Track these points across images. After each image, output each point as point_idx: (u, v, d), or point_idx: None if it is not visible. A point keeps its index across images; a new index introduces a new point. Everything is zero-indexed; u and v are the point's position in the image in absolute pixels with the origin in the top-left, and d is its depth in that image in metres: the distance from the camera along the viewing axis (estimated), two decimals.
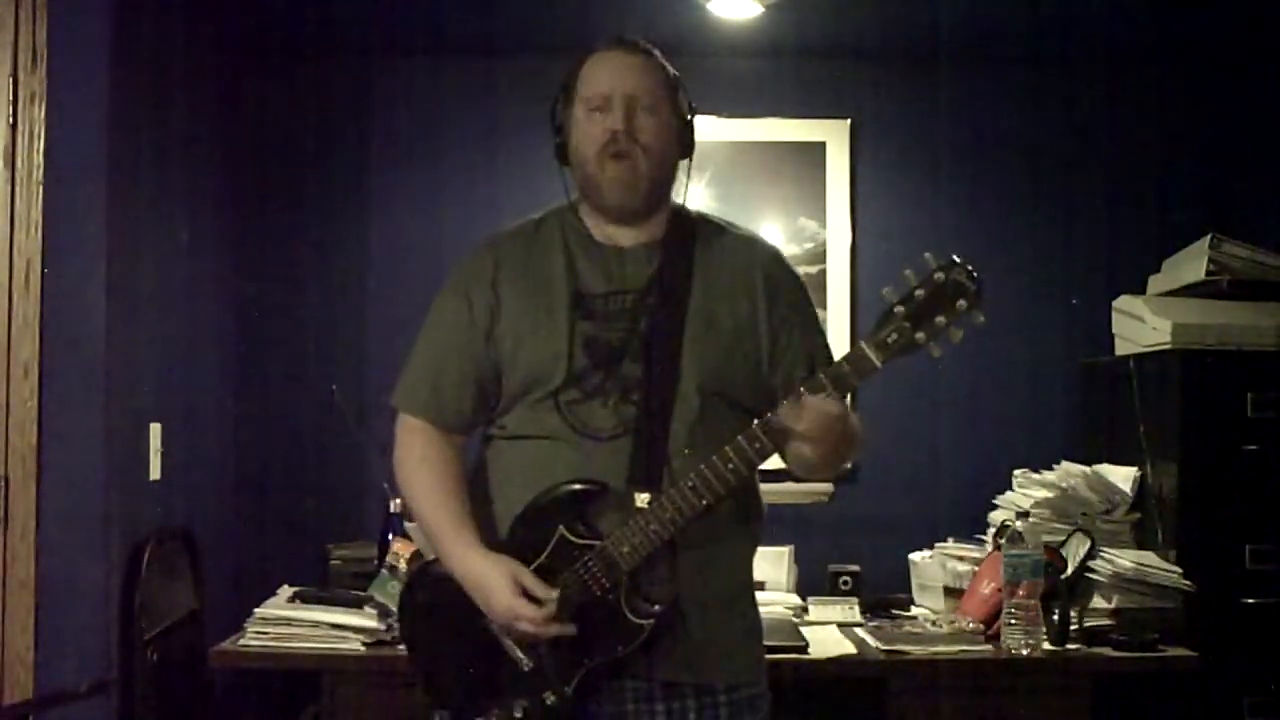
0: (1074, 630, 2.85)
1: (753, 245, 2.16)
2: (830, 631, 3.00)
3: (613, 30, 3.40)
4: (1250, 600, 2.98)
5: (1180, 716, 2.96)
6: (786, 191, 3.60)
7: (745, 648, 2.08)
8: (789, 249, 3.57)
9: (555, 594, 1.92)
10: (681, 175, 2.13)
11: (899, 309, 1.84)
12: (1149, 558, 3.00)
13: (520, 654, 1.98)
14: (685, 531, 1.93)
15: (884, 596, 3.24)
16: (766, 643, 2.78)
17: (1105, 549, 3.00)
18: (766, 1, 3.19)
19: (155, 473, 2.87)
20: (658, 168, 2.05)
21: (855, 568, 3.24)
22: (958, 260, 1.85)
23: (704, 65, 3.59)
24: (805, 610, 3.14)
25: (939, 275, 1.84)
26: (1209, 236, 3.24)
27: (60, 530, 2.56)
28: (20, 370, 2.55)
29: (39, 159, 2.56)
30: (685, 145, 2.12)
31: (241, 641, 2.83)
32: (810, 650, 2.82)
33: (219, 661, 2.81)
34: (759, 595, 3.09)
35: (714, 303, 2.04)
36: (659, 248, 2.07)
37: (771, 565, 3.25)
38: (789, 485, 3.44)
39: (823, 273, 3.58)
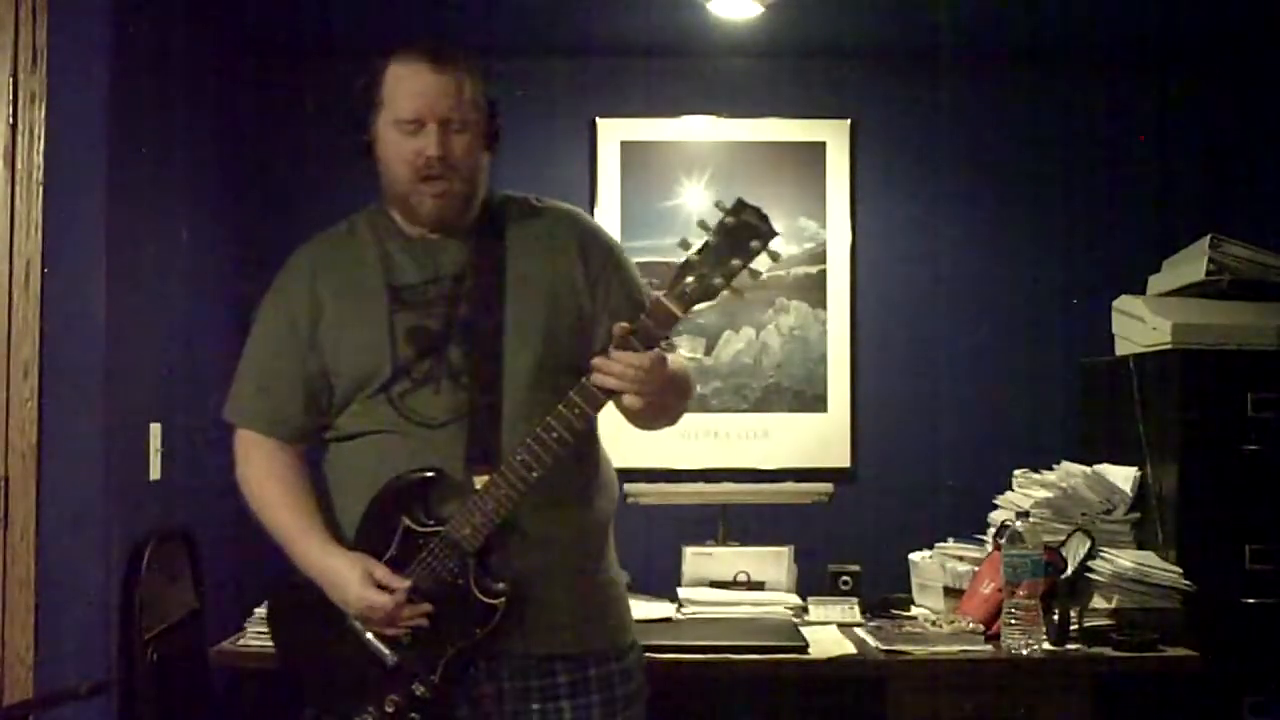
0: (1074, 630, 2.85)
1: (562, 214, 2.18)
2: (830, 631, 3.00)
3: (613, 30, 3.44)
4: (1250, 600, 2.98)
5: (1180, 716, 2.95)
6: (786, 191, 3.60)
7: (608, 615, 2.11)
8: (789, 249, 3.58)
9: (406, 583, 1.96)
10: (486, 167, 2.13)
11: (694, 258, 1.86)
12: (1149, 558, 3.00)
13: (384, 650, 2.01)
14: (524, 506, 1.94)
15: (884, 596, 3.24)
16: (766, 643, 2.81)
17: (1105, 549, 3.00)
18: (766, 1, 3.19)
19: (155, 473, 2.86)
20: (470, 183, 2.06)
21: (855, 568, 3.24)
22: (747, 203, 1.87)
23: (704, 65, 3.60)
24: (805, 610, 3.14)
25: (729, 219, 1.86)
26: (1209, 236, 3.24)
27: (60, 530, 2.56)
28: (20, 370, 2.55)
29: (39, 159, 2.56)
30: (491, 140, 2.11)
31: (241, 641, 2.83)
32: (810, 650, 2.81)
33: (219, 661, 2.81)
34: (759, 595, 3.15)
35: (530, 275, 2.07)
36: (471, 233, 2.09)
37: (771, 565, 3.25)
38: (789, 485, 3.47)
39: (823, 273, 3.58)
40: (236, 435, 2.16)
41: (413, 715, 2.01)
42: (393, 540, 1.99)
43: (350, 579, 1.97)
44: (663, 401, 2.00)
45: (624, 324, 1.89)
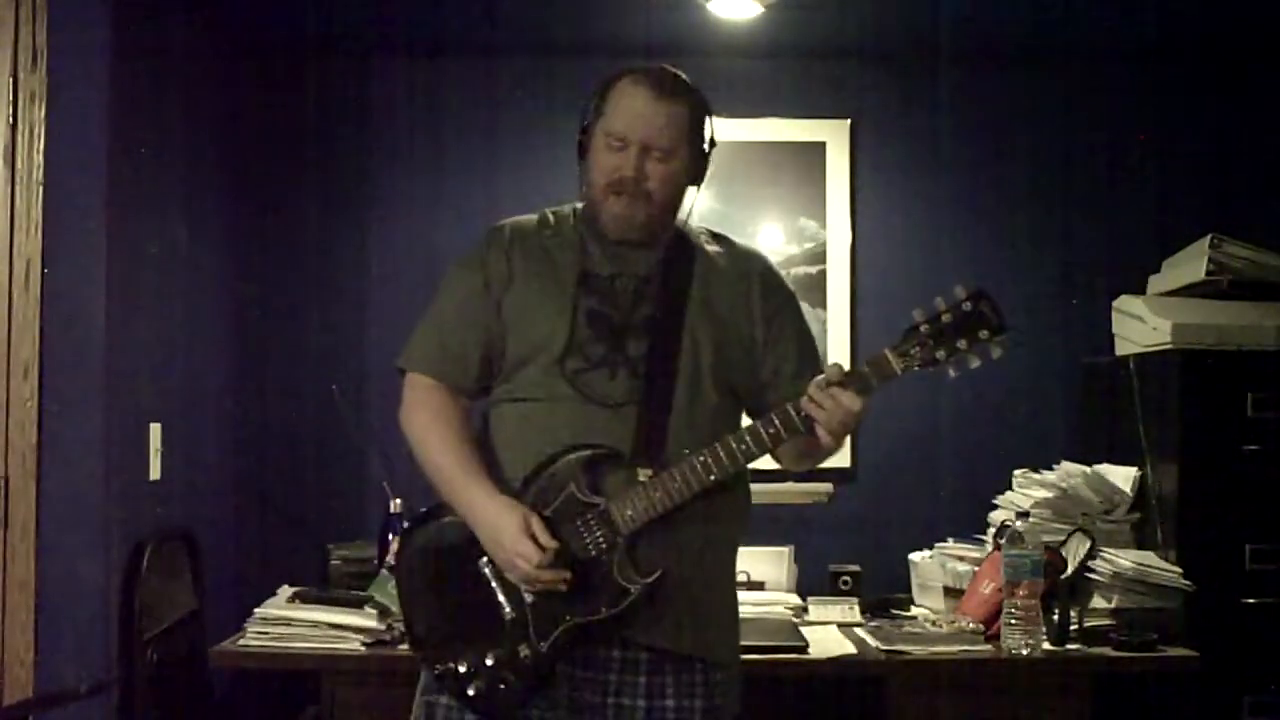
0: (1074, 630, 2.85)
1: (750, 254, 2.28)
2: (830, 631, 3.00)
3: (613, 30, 3.44)
4: (1250, 600, 2.99)
5: (1180, 716, 2.96)
6: (786, 191, 3.60)
7: (726, 630, 2.17)
8: (789, 249, 3.58)
9: (556, 544, 1.99)
10: (688, 199, 2.22)
11: (925, 327, 1.98)
12: (1149, 558, 3.00)
13: (506, 602, 2.04)
14: (684, 507, 2.01)
15: (884, 596, 3.24)
16: (766, 643, 2.81)
17: (1105, 549, 3.01)
18: (766, 1, 3.19)
19: (155, 473, 2.87)
20: (660, 210, 2.13)
21: (855, 568, 3.24)
22: (987, 294, 1.99)
23: (704, 65, 3.56)
24: (805, 610, 3.14)
25: (967, 304, 1.98)
26: (1209, 236, 3.24)
27: (60, 530, 2.56)
28: (20, 370, 2.55)
29: (39, 159, 2.56)
30: (697, 176, 2.20)
31: (241, 641, 2.83)
32: (810, 650, 2.81)
33: (219, 661, 2.81)
34: (759, 595, 3.15)
35: (712, 295, 2.16)
36: (665, 246, 2.19)
37: (771, 565, 3.25)
38: (789, 485, 3.46)
39: (823, 273, 3.58)
40: (407, 381, 2.19)
41: (508, 675, 2.03)
42: (555, 501, 2.03)
43: (509, 525, 2.00)
44: (834, 451, 2.11)
45: (839, 366, 2.00)
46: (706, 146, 2.18)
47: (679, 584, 2.04)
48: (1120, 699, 2.86)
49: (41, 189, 2.57)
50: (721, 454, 2.00)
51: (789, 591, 3.23)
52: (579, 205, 2.22)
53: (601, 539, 2.01)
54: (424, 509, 2.18)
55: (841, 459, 3.56)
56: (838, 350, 3.57)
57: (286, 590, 2.96)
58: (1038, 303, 3.60)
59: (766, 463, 3.57)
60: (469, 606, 2.08)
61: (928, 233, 3.62)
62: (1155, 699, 2.92)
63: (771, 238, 3.59)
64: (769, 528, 3.38)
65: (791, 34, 3.43)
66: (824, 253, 3.60)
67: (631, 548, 2.02)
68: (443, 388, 2.16)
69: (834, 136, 3.62)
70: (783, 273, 2.32)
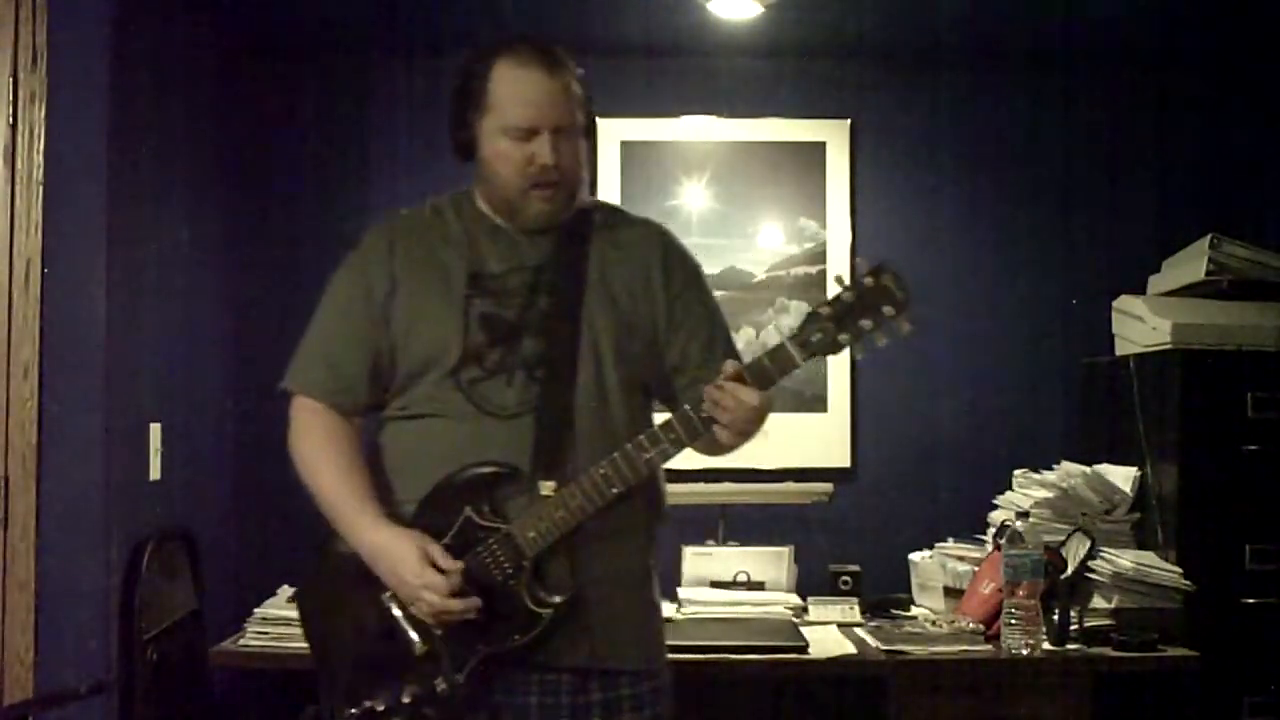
0: (1074, 630, 2.85)
1: (648, 227, 2.17)
2: (830, 631, 3.00)
3: (613, 30, 3.44)
4: (1250, 600, 2.99)
5: (1180, 716, 2.96)
6: (786, 191, 3.60)
7: (649, 637, 2.08)
8: (789, 249, 3.58)
9: (461, 565, 1.91)
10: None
11: (824, 309, 1.86)
12: (1149, 558, 3.00)
13: (415, 636, 1.95)
14: (591, 520, 1.93)
15: (884, 596, 3.24)
16: (766, 642, 2.81)
17: (1105, 549, 3.00)
18: (766, 1, 3.19)
19: (155, 473, 2.86)
20: (576, 184, 2.05)
21: (855, 568, 3.24)
22: (888, 267, 1.86)
23: (704, 65, 3.60)
24: (805, 610, 3.14)
25: (867, 280, 1.86)
26: (1209, 236, 3.24)
27: (60, 530, 2.56)
28: (20, 370, 2.55)
29: (39, 159, 2.56)
30: (589, 138, 2.10)
31: (241, 641, 2.83)
32: (810, 650, 2.81)
33: (219, 661, 2.81)
34: (759, 595, 3.15)
35: (611, 279, 2.05)
36: (557, 229, 2.07)
37: (771, 565, 3.25)
38: (789, 485, 3.47)
39: (822, 273, 3.58)
40: (293, 403, 2.11)
41: (427, 710, 1.95)
42: (451, 528, 1.95)
43: (408, 555, 1.91)
44: (747, 439, 1.97)
45: (736, 362, 1.90)
46: (590, 109, 2.09)
47: (593, 600, 1.96)
48: (1120, 699, 2.86)
49: (41, 189, 2.56)
50: (622, 464, 1.91)
51: (789, 591, 3.23)
52: (465, 192, 2.11)
53: (507, 564, 1.92)
54: (318, 546, 2.09)
55: (841, 459, 3.56)
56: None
57: (286, 590, 2.96)
58: (1038, 303, 3.60)
59: (767, 463, 3.58)
60: (378, 643, 1.98)
61: (928, 233, 3.62)
62: (1155, 699, 2.92)
63: (771, 238, 3.59)
64: (769, 528, 3.39)
65: (791, 34, 3.43)
66: (824, 253, 3.59)
67: (539, 568, 1.94)
68: (331, 410, 2.07)
69: (834, 136, 3.62)
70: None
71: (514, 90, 1.99)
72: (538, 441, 1.95)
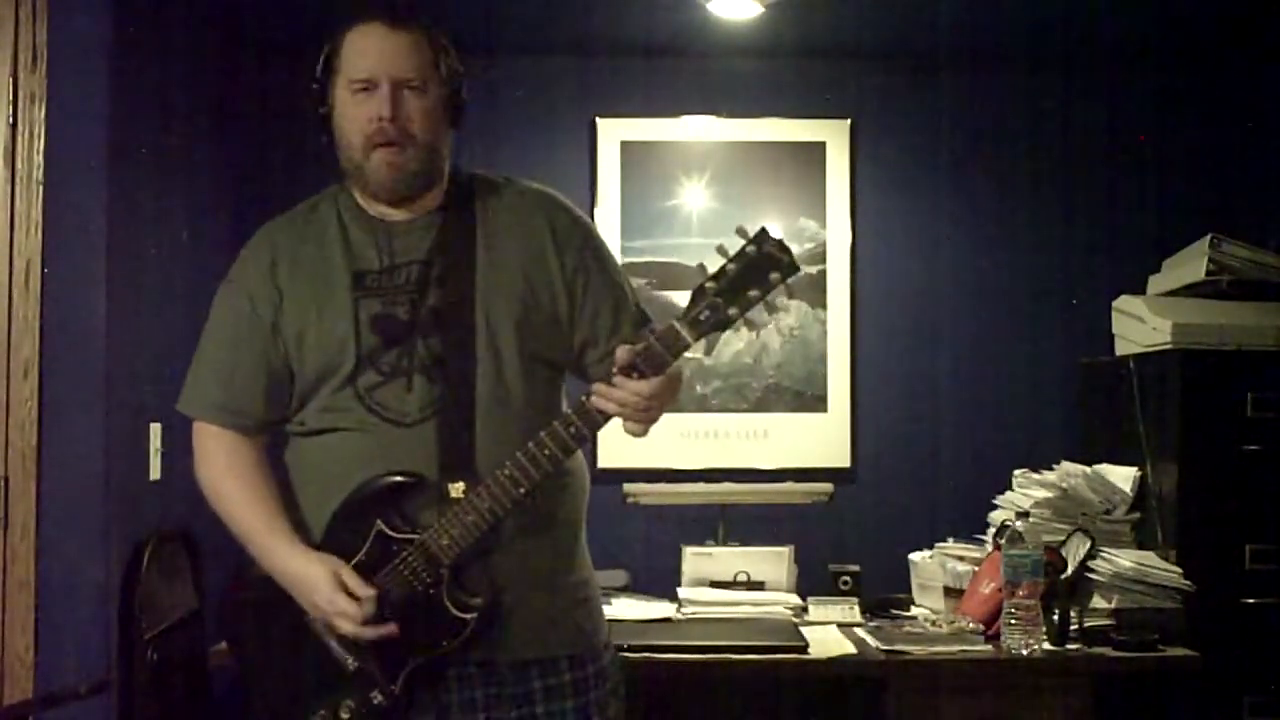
0: (1074, 630, 2.85)
1: (536, 196, 2.08)
2: (830, 631, 3.00)
3: (613, 30, 3.44)
4: (1250, 600, 2.99)
5: (1180, 716, 2.96)
6: (786, 191, 3.60)
7: (583, 619, 2.04)
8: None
9: (373, 592, 1.89)
10: (450, 141, 2.05)
11: (710, 285, 1.80)
12: (1149, 558, 3.00)
13: (345, 654, 1.94)
14: (504, 519, 1.90)
15: (884, 596, 3.24)
16: (766, 642, 2.81)
17: (1105, 549, 3.00)
18: (766, 1, 3.19)
19: (155, 473, 2.86)
20: (427, 152, 1.96)
21: (855, 568, 3.24)
22: (768, 234, 1.81)
23: (704, 65, 3.60)
24: (805, 610, 3.14)
25: (750, 249, 1.80)
26: (1209, 236, 3.24)
27: (60, 530, 2.55)
28: (20, 370, 2.55)
29: (39, 159, 2.56)
30: (454, 116, 2.03)
31: None
32: (810, 650, 2.81)
33: (219, 661, 2.81)
34: (759, 595, 3.15)
35: (502, 261, 1.98)
36: (437, 215, 2.01)
37: (771, 565, 3.25)
38: (789, 485, 3.47)
39: (823, 273, 3.58)
40: (194, 429, 2.06)
41: None
42: (364, 544, 1.92)
43: (319, 582, 1.89)
44: (656, 418, 1.91)
45: (628, 346, 1.84)
46: (456, 84, 2.02)
47: (518, 593, 1.94)
48: (1120, 699, 2.86)
49: (41, 189, 2.56)
50: (526, 463, 1.86)
51: (789, 591, 3.22)
52: (338, 192, 2.06)
53: (425, 574, 1.89)
54: (235, 573, 2.07)
55: (841, 459, 3.57)
56: (837, 350, 3.57)
57: None
58: (1038, 303, 3.60)
59: (767, 463, 3.57)
60: (309, 663, 1.96)
61: (928, 233, 3.62)
62: (1155, 699, 2.92)
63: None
64: (769, 528, 3.39)
65: (791, 34, 3.43)
66: (824, 253, 3.60)
67: (458, 573, 1.91)
68: (231, 433, 2.03)
69: (834, 136, 3.62)
70: (581, 213, 2.08)
71: (355, 45, 1.96)
72: (442, 446, 1.91)
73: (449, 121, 2.02)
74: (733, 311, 1.80)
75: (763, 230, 1.81)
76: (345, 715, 1.94)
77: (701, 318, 1.80)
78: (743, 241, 1.80)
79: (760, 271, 1.79)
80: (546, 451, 1.86)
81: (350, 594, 1.89)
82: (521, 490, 1.87)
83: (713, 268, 1.81)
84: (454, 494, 1.89)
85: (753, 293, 1.79)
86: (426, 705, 1.96)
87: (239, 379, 2.01)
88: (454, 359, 1.93)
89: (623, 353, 1.83)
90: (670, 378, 1.88)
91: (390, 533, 1.91)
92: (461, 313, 1.94)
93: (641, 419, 1.86)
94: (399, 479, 1.91)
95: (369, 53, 1.94)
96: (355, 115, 1.94)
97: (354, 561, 1.92)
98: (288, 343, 1.99)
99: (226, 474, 2.03)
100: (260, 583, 2.00)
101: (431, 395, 1.92)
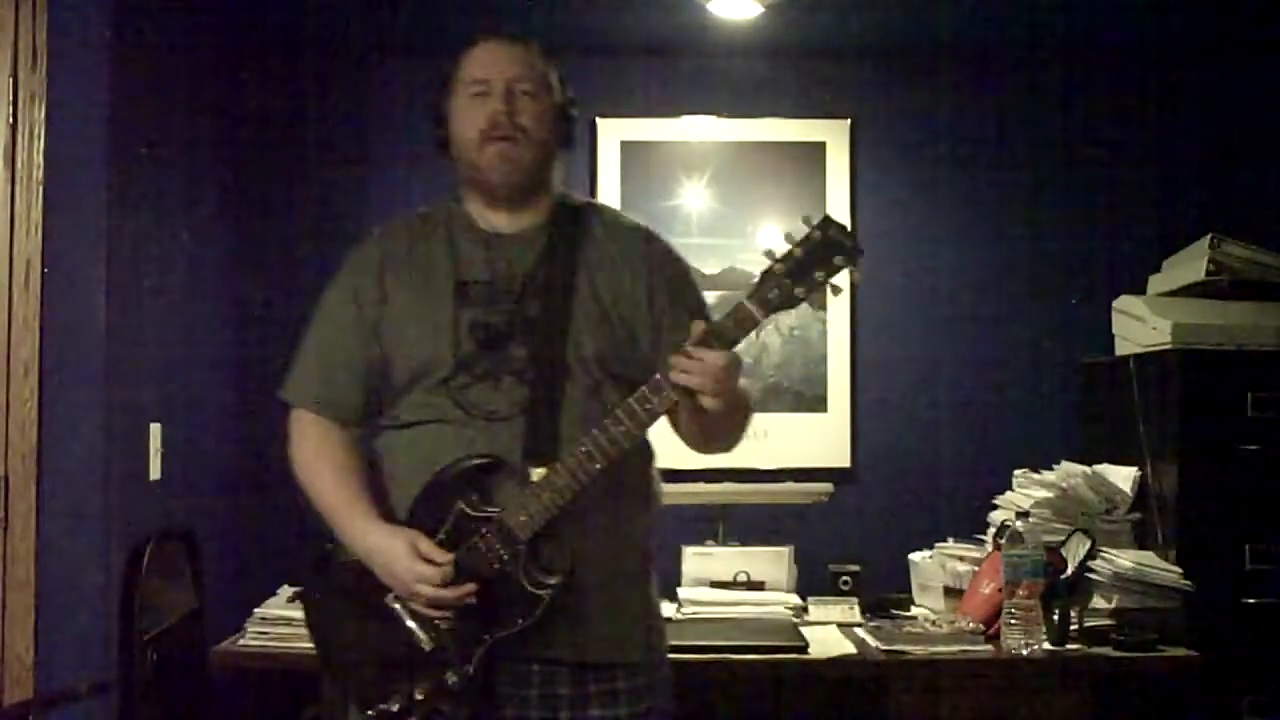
0: (1074, 630, 2.85)
1: (635, 229, 2.20)
2: (830, 631, 3.00)
3: (613, 30, 3.44)
4: (1250, 600, 2.99)
5: (1180, 716, 2.95)
6: (786, 191, 3.60)
7: (643, 631, 2.10)
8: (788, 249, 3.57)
9: (451, 556, 1.95)
10: (561, 165, 2.18)
11: (778, 266, 1.90)
12: (1149, 558, 3.00)
13: (421, 633, 2.00)
14: (581, 502, 1.95)
15: (884, 596, 3.24)
16: (766, 642, 2.81)
17: (1105, 549, 3.00)
18: (766, 1, 3.19)
19: (155, 473, 2.86)
20: (538, 150, 2.09)
21: (855, 568, 3.24)
22: (833, 219, 1.91)
23: (704, 65, 3.61)
24: (805, 610, 3.14)
25: (816, 234, 1.90)
26: (1209, 236, 3.24)
27: (60, 530, 2.56)
28: (20, 370, 2.55)
29: (39, 159, 2.56)
30: (564, 135, 2.17)
31: (241, 641, 2.83)
32: (810, 650, 2.81)
33: (219, 661, 2.81)
34: (759, 595, 3.15)
35: (598, 281, 2.08)
36: (542, 232, 2.11)
37: (771, 565, 3.25)
38: (789, 485, 3.47)
39: None
40: (291, 415, 2.16)
41: (442, 705, 1.99)
42: (445, 522, 1.99)
43: (398, 552, 1.96)
44: (730, 415, 2.00)
45: (702, 323, 1.91)
46: (568, 107, 2.15)
47: (590, 590, 2.00)
48: (1120, 699, 2.86)
49: (41, 189, 2.56)
50: (601, 438, 1.92)
51: (789, 591, 3.22)
52: (453, 199, 2.16)
53: (502, 550, 1.96)
54: (317, 556, 2.14)
55: (841, 459, 3.56)
56: (837, 350, 3.57)
57: (286, 590, 2.96)
58: (1038, 303, 3.60)
59: (767, 463, 3.57)
60: (386, 644, 2.02)
61: (928, 232, 3.62)
62: (1155, 699, 2.92)
63: (771, 238, 3.58)
64: (769, 528, 3.39)
65: (791, 34, 3.43)
66: None
67: (535, 552, 1.97)
68: (326, 421, 2.13)
69: (834, 136, 3.62)
70: (675, 244, 2.22)
71: (472, 57, 2.12)
72: (528, 437, 1.99)
73: (559, 137, 2.15)
74: (799, 291, 1.89)
75: (827, 216, 1.91)
76: (420, 697, 2.00)
77: (770, 296, 1.89)
78: (807, 228, 1.90)
79: (826, 255, 1.89)
80: (622, 428, 1.93)
81: (428, 561, 1.95)
82: (596, 466, 1.93)
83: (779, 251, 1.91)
84: (534, 478, 1.96)
85: (818, 274, 1.89)
86: (489, 694, 2.01)
87: (339, 371, 2.12)
88: (544, 365, 2.02)
89: (697, 327, 1.90)
90: (741, 383, 1.98)
91: (469, 511, 1.98)
92: (556, 322, 2.04)
93: (713, 390, 1.90)
94: (478, 461, 1.98)
95: (485, 60, 2.10)
96: (471, 114, 2.07)
97: (435, 539, 1.98)
98: (387, 342, 2.08)
99: (318, 458, 2.12)
100: (341, 569, 2.08)
101: (521, 395, 2.01)
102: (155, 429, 2.87)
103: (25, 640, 2.53)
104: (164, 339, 2.96)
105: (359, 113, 3.59)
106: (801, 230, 1.90)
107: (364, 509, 2.05)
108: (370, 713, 2.03)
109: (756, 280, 1.91)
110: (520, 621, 1.96)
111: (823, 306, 1.85)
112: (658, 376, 1.91)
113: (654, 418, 1.95)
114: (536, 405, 2.00)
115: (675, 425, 2.10)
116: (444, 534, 1.98)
